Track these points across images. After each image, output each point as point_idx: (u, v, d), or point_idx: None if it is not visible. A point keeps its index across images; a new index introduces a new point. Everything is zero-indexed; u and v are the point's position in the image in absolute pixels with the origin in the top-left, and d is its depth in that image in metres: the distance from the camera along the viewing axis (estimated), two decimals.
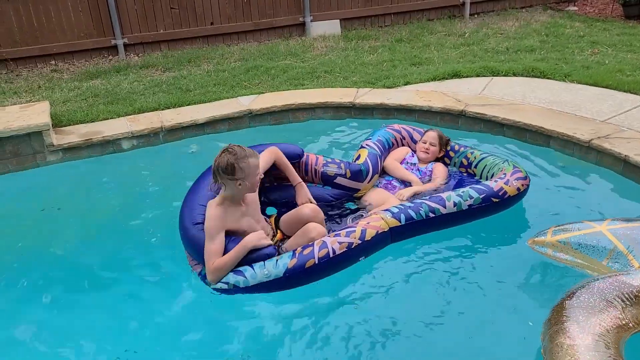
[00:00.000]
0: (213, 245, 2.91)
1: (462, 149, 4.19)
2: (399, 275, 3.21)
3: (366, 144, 4.08)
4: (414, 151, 4.22)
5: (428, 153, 4.09)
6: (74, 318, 3.00)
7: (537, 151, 4.67)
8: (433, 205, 3.38)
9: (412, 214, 3.31)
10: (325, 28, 8.69)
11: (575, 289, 2.57)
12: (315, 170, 3.76)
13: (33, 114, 4.76)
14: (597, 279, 2.59)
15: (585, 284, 2.59)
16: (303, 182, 3.59)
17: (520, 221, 3.72)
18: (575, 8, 10.00)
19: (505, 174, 3.66)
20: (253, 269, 2.92)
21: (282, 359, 2.69)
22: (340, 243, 3.03)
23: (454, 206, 3.39)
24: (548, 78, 5.91)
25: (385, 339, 2.77)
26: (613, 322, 2.40)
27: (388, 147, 4.21)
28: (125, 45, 7.72)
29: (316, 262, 2.94)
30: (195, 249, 3.04)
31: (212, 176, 3.00)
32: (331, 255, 2.98)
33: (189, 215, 3.15)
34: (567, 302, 2.50)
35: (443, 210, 3.37)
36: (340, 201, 3.84)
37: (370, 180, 3.85)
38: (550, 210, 3.77)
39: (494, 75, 6.09)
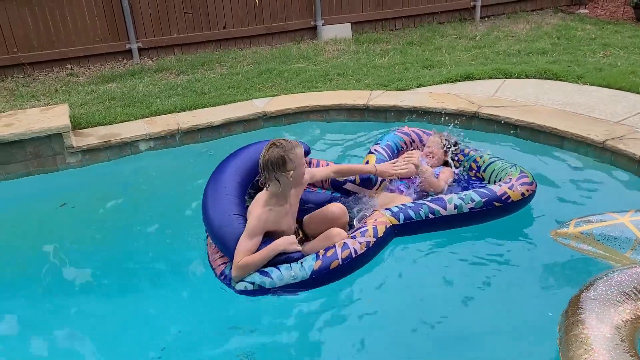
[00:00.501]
0: (249, 243, 2.94)
1: (471, 152, 4.21)
2: (421, 267, 3.31)
3: (374, 150, 4.12)
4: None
5: (433, 158, 4.11)
6: (95, 311, 3.08)
7: (551, 152, 4.70)
8: (433, 206, 3.43)
9: (412, 214, 3.37)
10: (337, 32, 8.75)
11: (592, 281, 2.61)
12: None
13: (53, 117, 4.85)
14: (615, 271, 2.63)
15: (603, 275, 2.62)
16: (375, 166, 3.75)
17: (539, 216, 3.76)
18: (586, 11, 10.00)
19: (510, 178, 3.68)
20: (279, 271, 2.97)
21: (295, 355, 2.74)
22: (360, 243, 3.11)
23: (455, 208, 3.42)
24: (561, 80, 5.93)
25: (405, 329, 2.86)
26: (629, 315, 2.44)
27: (397, 151, 4.24)
28: (140, 49, 7.82)
29: (340, 263, 3.01)
30: (226, 246, 3.07)
31: (261, 173, 3.04)
32: (353, 255, 3.06)
33: (218, 213, 3.18)
34: (584, 293, 2.54)
35: (443, 212, 3.41)
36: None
37: (379, 187, 3.88)
38: (567, 208, 3.81)
39: (506, 78, 6.12)
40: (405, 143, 4.33)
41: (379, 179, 3.85)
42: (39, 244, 3.77)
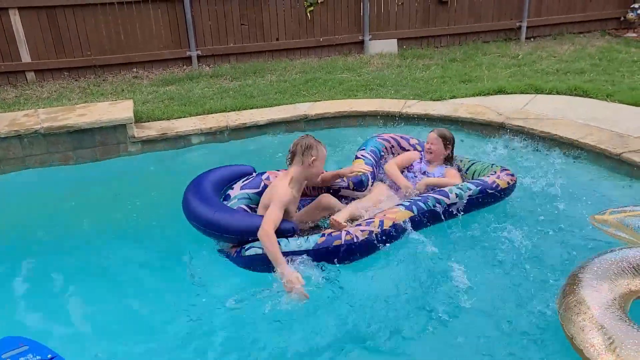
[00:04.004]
0: (279, 214, 3.33)
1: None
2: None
3: (361, 154, 4.42)
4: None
5: (432, 153, 4.37)
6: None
7: (570, 162, 4.95)
8: (438, 196, 3.85)
9: (422, 205, 3.77)
10: (383, 46, 9.21)
11: (588, 259, 3.02)
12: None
13: (119, 110, 5.51)
14: (608, 251, 3.04)
15: (598, 255, 3.01)
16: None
17: (551, 219, 4.08)
18: (635, 34, 10.05)
19: (495, 172, 4.23)
20: (287, 240, 3.37)
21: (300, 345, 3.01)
22: (362, 231, 3.45)
23: (457, 197, 3.88)
24: (590, 97, 6.16)
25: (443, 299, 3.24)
26: (623, 288, 2.81)
27: (380, 156, 4.55)
28: (199, 57, 8.52)
29: (342, 243, 3.37)
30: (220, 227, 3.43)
31: (290, 157, 3.58)
32: (355, 241, 3.39)
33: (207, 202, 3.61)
34: (580, 269, 2.98)
35: (447, 201, 3.84)
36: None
37: (370, 187, 4.21)
38: (580, 212, 4.08)
39: (537, 93, 6.40)
40: (385, 148, 4.65)
41: (370, 181, 4.19)
42: (95, 224, 4.25)
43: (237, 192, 3.87)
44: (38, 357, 2.27)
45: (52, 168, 5.20)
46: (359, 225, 3.53)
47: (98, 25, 7.95)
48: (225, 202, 3.80)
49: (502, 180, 4.08)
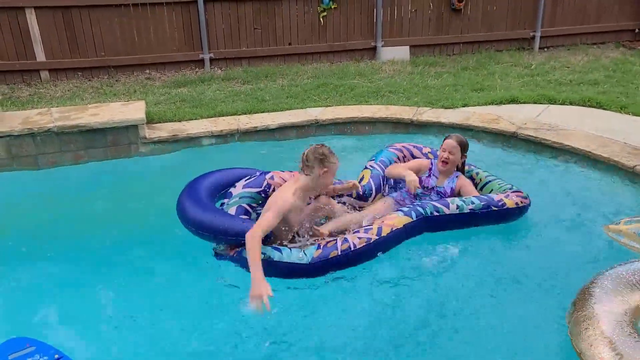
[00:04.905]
0: (273, 221, 3.30)
1: (466, 167, 4.35)
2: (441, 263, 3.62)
3: (370, 165, 4.34)
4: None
5: (447, 163, 4.04)
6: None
7: (582, 173, 4.92)
8: (438, 205, 3.78)
9: (421, 210, 3.73)
10: (395, 53, 9.20)
11: (598, 274, 2.96)
12: None
13: (132, 110, 5.54)
14: (620, 265, 2.97)
15: (609, 269, 2.97)
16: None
17: (565, 228, 4.08)
18: None
19: (506, 191, 4.04)
20: (289, 250, 3.37)
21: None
22: (359, 239, 3.45)
23: (457, 209, 3.78)
24: (604, 109, 6.11)
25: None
26: (632, 303, 2.77)
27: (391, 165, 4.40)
28: (211, 60, 8.56)
29: (339, 254, 3.37)
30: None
31: (301, 164, 3.50)
32: (352, 248, 3.40)
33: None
34: (591, 284, 2.93)
35: (446, 211, 3.76)
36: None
37: (373, 199, 4.14)
38: (592, 222, 4.05)
39: (550, 103, 6.36)
40: (398, 158, 4.50)
41: (373, 193, 4.14)
42: (105, 222, 4.27)
43: (240, 191, 3.86)
44: (45, 358, 2.27)
45: (63, 167, 5.23)
46: (357, 232, 3.52)
47: (112, 26, 8.00)
48: (226, 200, 3.83)
49: (510, 200, 3.89)
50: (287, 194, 3.47)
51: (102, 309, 3.28)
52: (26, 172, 5.11)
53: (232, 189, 3.93)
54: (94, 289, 3.43)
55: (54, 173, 5.15)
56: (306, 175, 3.50)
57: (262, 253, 3.22)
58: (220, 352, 2.97)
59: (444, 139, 4.16)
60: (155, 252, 3.85)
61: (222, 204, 3.88)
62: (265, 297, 2.95)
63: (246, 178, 3.98)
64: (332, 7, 8.83)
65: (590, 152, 4.95)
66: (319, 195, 3.86)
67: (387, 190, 4.33)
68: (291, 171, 4.01)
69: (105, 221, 4.30)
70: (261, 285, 3.01)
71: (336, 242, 3.42)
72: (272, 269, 3.27)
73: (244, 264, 3.35)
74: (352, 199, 4.11)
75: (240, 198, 3.81)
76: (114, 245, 3.94)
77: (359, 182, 4.14)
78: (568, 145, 5.09)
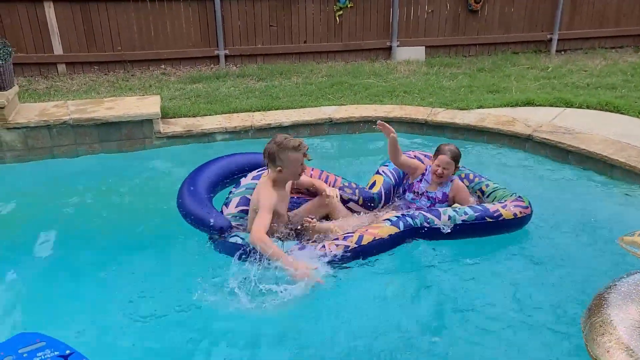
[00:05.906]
0: (268, 217, 3.30)
1: (477, 179, 4.20)
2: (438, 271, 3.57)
3: (382, 171, 4.20)
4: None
5: (442, 177, 3.94)
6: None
7: (598, 179, 4.85)
8: (429, 215, 3.65)
9: (410, 221, 3.60)
10: (411, 53, 9.17)
11: (614, 281, 2.91)
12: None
13: (147, 105, 5.57)
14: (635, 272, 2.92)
15: (625, 276, 2.92)
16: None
17: (575, 236, 3.98)
18: None
19: (506, 200, 3.85)
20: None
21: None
22: (337, 246, 3.35)
23: (448, 219, 3.63)
24: (621, 113, 6.03)
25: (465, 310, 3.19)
26: None
27: (403, 175, 4.24)
28: (226, 56, 8.58)
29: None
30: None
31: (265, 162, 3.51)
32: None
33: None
34: (606, 290, 2.88)
35: (437, 222, 3.62)
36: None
37: (380, 209, 4.00)
38: (607, 231, 3.98)
39: (567, 107, 6.29)
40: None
41: (382, 202, 4.01)
42: (115, 212, 4.31)
43: (248, 182, 3.90)
44: (56, 353, 2.26)
45: (79, 158, 5.27)
46: (336, 239, 3.44)
47: (129, 21, 8.05)
48: (234, 189, 3.90)
49: (507, 211, 3.70)
50: (266, 190, 3.45)
51: (114, 304, 3.26)
52: (41, 162, 5.17)
53: (242, 179, 3.96)
54: (99, 285, 3.43)
55: (68, 163, 5.20)
56: (271, 172, 3.50)
57: (241, 239, 3.35)
58: (220, 352, 2.95)
59: (436, 151, 3.99)
60: (171, 247, 3.85)
61: (230, 192, 3.92)
62: (310, 270, 3.04)
63: (258, 170, 3.99)
64: (349, 6, 8.82)
65: (606, 156, 4.88)
66: (322, 194, 3.82)
67: (396, 200, 4.19)
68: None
69: (116, 215, 4.32)
70: (298, 263, 3.10)
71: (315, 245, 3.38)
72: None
73: (228, 251, 3.40)
74: (358, 205, 3.99)
75: (246, 189, 3.84)
76: (126, 239, 3.95)
77: (370, 187, 4.06)
78: (584, 149, 5.03)
